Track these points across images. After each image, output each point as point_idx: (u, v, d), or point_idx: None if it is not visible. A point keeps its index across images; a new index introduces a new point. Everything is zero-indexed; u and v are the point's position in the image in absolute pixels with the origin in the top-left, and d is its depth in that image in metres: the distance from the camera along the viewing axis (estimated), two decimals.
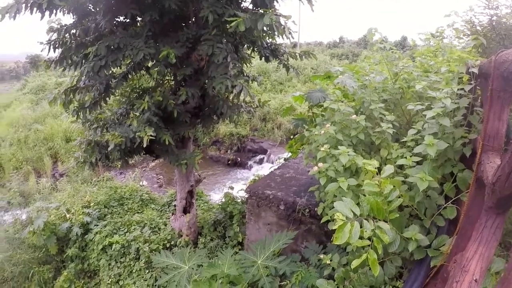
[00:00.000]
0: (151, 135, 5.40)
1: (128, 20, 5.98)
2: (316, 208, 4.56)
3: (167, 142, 5.88)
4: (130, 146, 5.86)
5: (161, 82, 7.02)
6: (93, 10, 5.89)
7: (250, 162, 20.47)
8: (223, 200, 8.76)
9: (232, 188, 9.23)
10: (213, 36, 5.41)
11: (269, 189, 5.91)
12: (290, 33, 5.01)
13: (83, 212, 9.21)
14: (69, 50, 5.88)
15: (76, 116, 6.45)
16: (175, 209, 8.53)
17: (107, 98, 6.39)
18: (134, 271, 7.83)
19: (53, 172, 21.19)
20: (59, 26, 5.93)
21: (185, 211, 8.20)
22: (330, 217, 3.87)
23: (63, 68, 6.21)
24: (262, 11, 4.83)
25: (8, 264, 8.60)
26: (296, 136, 6.37)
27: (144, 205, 10.27)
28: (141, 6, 5.52)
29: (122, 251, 8.13)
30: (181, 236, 8.18)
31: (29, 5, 4.74)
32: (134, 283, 7.64)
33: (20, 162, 21.50)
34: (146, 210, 9.76)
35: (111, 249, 8.18)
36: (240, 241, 7.63)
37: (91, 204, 9.77)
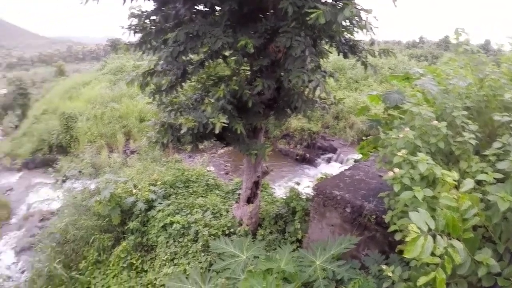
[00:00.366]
0: (224, 123, 5.46)
1: (207, 9, 6.15)
2: (383, 216, 4.36)
3: (239, 131, 5.95)
4: (202, 131, 6.01)
5: (237, 71, 7.10)
6: None
7: (318, 160, 20.32)
8: (288, 194, 8.76)
9: (298, 183, 9.20)
10: (291, 28, 5.39)
11: (337, 190, 5.78)
12: (371, 28, 4.85)
13: (149, 189, 9.71)
14: (149, 35, 6.21)
15: (152, 98, 6.75)
16: (239, 198, 8.69)
17: (183, 83, 6.60)
18: (190, 252, 8.11)
19: (125, 148, 22.64)
20: (139, 12, 6.23)
21: (249, 201, 8.31)
22: (398, 227, 3.71)
23: (142, 51, 6.52)
24: (342, 4, 4.72)
25: (72, 227, 9.36)
26: (369, 137, 6.19)
27: (209, 190, 10.56)
28: None
29: (182, 232, 8.44)
30: (241, 225, 8.32)
31: None
32: (189, 263, 7.92)
33: (95, 136, 23.25)
34: (210, 195, 10.03)
35: (171, 227, 8.52)
36: (299, 238, 7.61)
37: (158, 183, 10.24)
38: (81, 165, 12.87)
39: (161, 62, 6.38)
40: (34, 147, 25.93)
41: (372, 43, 6.27)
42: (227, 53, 6.59)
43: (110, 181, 9.83)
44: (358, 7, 4.81)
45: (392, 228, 3.85)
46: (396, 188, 3.68)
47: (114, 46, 47.03)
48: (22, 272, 11.83)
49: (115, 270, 8.70)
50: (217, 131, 5.48)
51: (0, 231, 14.21)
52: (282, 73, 6.16)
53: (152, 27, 6.27)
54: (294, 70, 5.30)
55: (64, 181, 17.57)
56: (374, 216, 5.04)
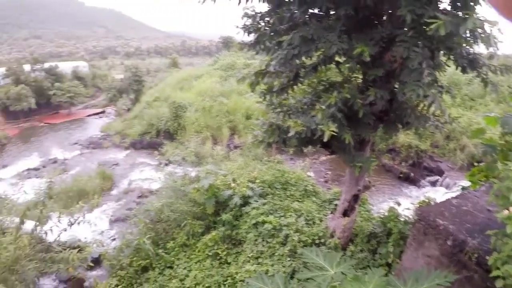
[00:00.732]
0: (333, 131, 5.42)
1: (321, 13, 6.13)
2: (487, 256, 4.08)
3: (347, 141, 5.84)
4: (310, 136, 6.04)
5: (349, 78, 7.05)
6: (286, 0, 6.21)
7: (422, 181, 19.26)
8: (386, 214, 8.50)
9: (398, 204, 8.88)
10: (409, 37, 5.22)
11: (441, 218, 5.49)
12: (495, 42, 4.56)
13: (247, 186, 10.11)
14: (264, 36, 6.38)
15: (263, 98, 6.98)
16: (335, 209, 8.62)
17: (295, 86, 6.73)
18: (276, 254, 8.26)
19: (229, 142, 23.84)
20: (253, 13, 6.42)
21: (345, 213, 8.20)
22: (502, 272, 3.45)
23: (256, 52, 6.75)
24: (463, 14, 4.51)
25: (167, 209, 10.14)
26: (481, 164, 5.80)
27: (306, 195, 10.68)
28: (336, 0, 5.62)
29: (272, 233, 8.64)
30: (333, 237, 8.25)
31: None
32: (272, 265, 8.06)
33: (201, 128, 24.84)
34: (307, 201, 10.15)
35: (262, 227, 8.77)
36: (389, 262, 7.35)
37: (257, 181, 10.63)
38: (185, 153, 13.85)
39: (274, 63, 6.48)
40: (143, 129, 28.92)
41: (491, 56, 5.78)
42: (340, 59, 6.56)
43: (211, 171, 10.42)
44: (482, 17, 4.53)
45: (494, 273, 3.57)
46: (509, 229, 3.41)
47: (226, 43, 49.47)
48: (113, 240, 13.10)
49: (200, 257, 9.22)
50: (325, 139, 5.45)
51: (101, 199, 15.82)
52: (396, 85, 6.02)
53: (267, 28, 6.43)
54: (409, 82, 5.16)
55: (166, 165, 19.18)
56: (476, 255, 4.70)
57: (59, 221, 8.39)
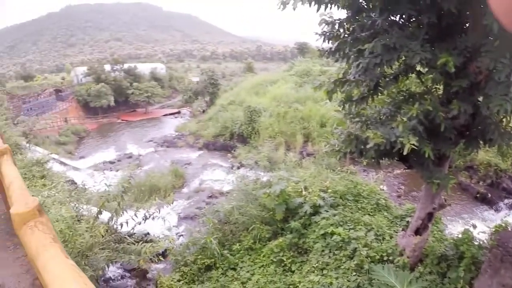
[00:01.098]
0: (413, 144, 5.35)
1: (403, 21, 6.11)
2: None
3: (426, 155, 5.73)
4: (388, 149, 5.96)
5: (429, 89, 6.88)
6: (365, 6, 6.21)
7: (500, 203, 17.95)
8: (459, 236, 8.17)
9: (474, 226, 8.53)
10: (495, 48, 5.02)
11: None
12: None
13: (318, 195, 10.21)
14: (344, 44, 6.39)
15: (342, 107, 7.02)
16: (407, 226, 8.42)
17: (375, 96, 6.68)
18: (342, 267, 8.27)
19: (302, 150, 24.17)
20: (331, 19, 6.47)
21: (417, 232, 8.00)
22: None
23: (335, 59, 6.78)
24: None
25: (237, 211, 10.51)
26: None
27: (378, 209, 10.58)
28: (419, 6, 5.54)
29: (340, 245, 8.65)
30: (402, 255, 8.07)
31: None
32: (337, 278, 8.07)
33: (275, 133, 25.42)
34: (378, 215, 10.07)
35: (330, 238, 8.82)
36: None
37: (329, 191, 10.68)
38: (258, 157, 14.15)
39: (353, 71, 6.44)
40: (217, 131, 30.23)
41: None
42: (422, 69, 6.44)
43: (283, 178, 10.62)
44: None
45: None
46: None
47: (301, 49, 49.70)
48: (179, 236, 13.69)
49: (264, 262, 9.43)
50: (405, 153, 5.39)
51: (174, 196, 16.60)
52: (479, 98, 5.82)
53: (346, 35, 6.46)
54: (495, 96, 4.96)
55: (238, 168, 19.70)
56: None
57: (135, 214, 9.06)
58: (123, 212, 8.91)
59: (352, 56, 6.46)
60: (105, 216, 8.71)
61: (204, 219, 10.83)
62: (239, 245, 10.12)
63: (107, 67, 57.08)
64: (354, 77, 6.43)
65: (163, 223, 9.71)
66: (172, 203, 11.72)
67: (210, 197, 19.32)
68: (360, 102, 6.68)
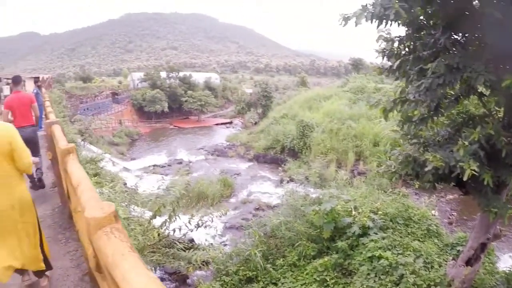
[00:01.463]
0: (474, 170, 5.19)
1: (465, 40, 5.97)
2: None
3: (485, 182, 5.52)
4: (446, 173, 5.79)
5: (490, 112, 6.66)
6: (426, 24, 6.11)
7: None
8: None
9: None
10: None
11: None
12: None
13: (368, 216, 10.05)
14: (406, 62, 6.30)
15: (400, 127, 6.92)
16: (457, 255, 8.19)
17: (435, 117, 6.45)
18: None
19: (353, 168, 23.94)
20: (389, 36, 6.35)
21: (468, 262, 7.74)
22: None
23: (396, 78, 6.74)
24: None
25: (284, 226, 10.52)
26: None
27: (428, 235, 10.28)
28: (483, 25, 5.39)
29: (387, 270, 8.45)
30: (450, 286, 7.85)
31: (374, 15, 5.37)
32: None
33: (327, 149, 25.41)
34: (428, 242, 9.78)
35: (377, 261, 8.64)
36: None
37: (379, 212, 10.52)
38: (309, 173, 14.12)
39: (414, 91, 6.30)
40: (268, 144, 30.67)
41: None
42: (485, 91, 6.23)
43: (333, 195, 10.61)
44: None
45: None
46: None
47: (356, 65, 49.43)
48: (224, 245, 13.64)
49: (307, 280, 9.30)
50: (465, 178, 5.23)
51: (227, 207, 16.85)
52: None
53: (407, 53, 6.37)
54: None
55: (288, 182, 19.73)
56: None
57: (189, 222, 9.33)
58: (175, 218, 9.15)
59: (413, 75, 6.37)
60: (157, 219, 8.99)
61: (251, 230, 10.90)
62: (283, 261, 10.08)
63: (163, 74, 59.76)
64: (414, 97, 6.28)
65: (207, 231, 9.86)
66: (226, 214, 11.84)
67: (257, 209, 19.49)
68: (420, 123, 6.49)
